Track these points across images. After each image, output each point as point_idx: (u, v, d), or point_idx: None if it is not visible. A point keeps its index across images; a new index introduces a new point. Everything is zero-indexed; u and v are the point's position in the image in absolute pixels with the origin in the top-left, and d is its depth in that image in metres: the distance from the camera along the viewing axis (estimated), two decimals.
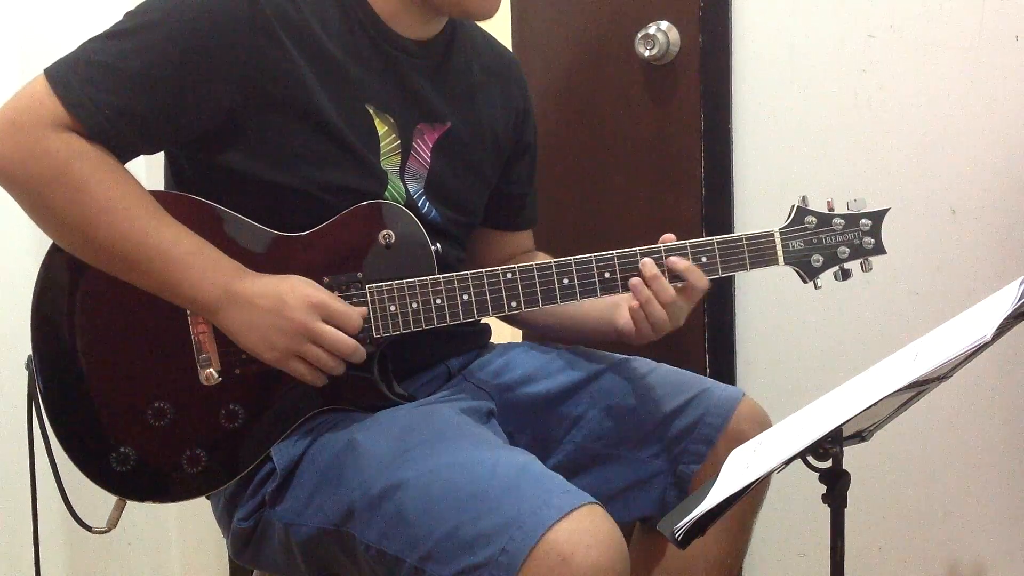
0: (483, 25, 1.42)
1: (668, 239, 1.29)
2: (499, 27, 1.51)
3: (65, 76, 1.17)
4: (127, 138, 1.20)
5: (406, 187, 1.32)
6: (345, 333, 1.22)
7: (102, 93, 1.17)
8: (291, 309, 1.19)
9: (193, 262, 1.19)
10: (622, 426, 1.36)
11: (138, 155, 1.24)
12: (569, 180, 1.90)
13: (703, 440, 1.34)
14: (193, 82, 1.19)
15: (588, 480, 1.34)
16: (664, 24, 1.80)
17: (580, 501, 1.09)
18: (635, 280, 1.27)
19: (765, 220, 1.73)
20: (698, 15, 1.77)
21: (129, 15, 1.21)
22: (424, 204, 1.34)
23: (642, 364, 1.42)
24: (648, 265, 1.26)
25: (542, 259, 1.51)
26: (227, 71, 1.19)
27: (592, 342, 1.46)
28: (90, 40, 1.20)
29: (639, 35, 1.80)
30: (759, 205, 1.80)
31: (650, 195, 1.86)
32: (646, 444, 1.36)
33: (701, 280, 1.27)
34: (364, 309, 1.24)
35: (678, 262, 1.27)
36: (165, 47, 1.18)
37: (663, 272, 1.27)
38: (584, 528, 1.06)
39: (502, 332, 1.68)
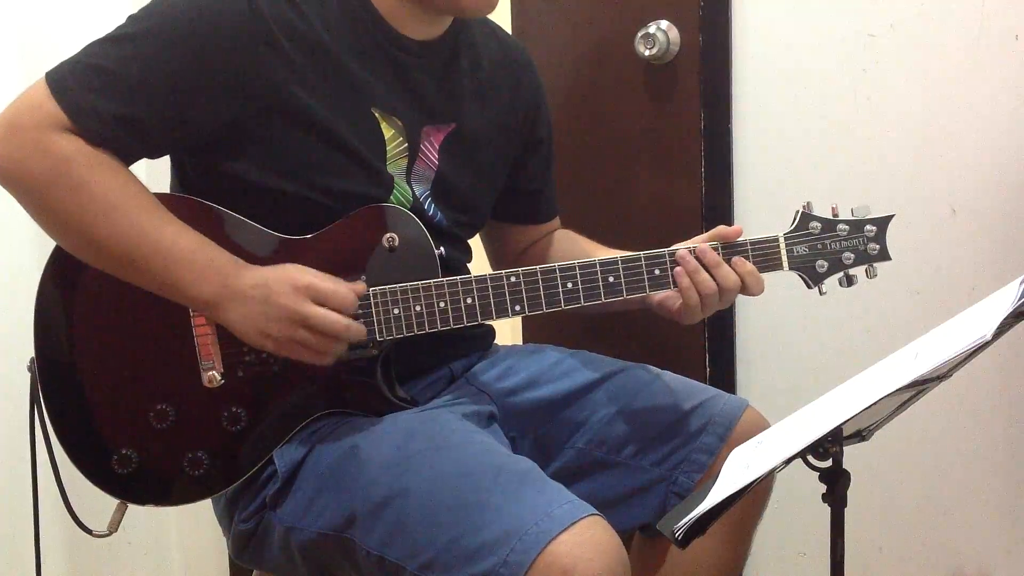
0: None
1: (725, 234, 1.28)
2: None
3: (65, 80, 1.17)
4: (126, 144, 1.20)
5: (413, 190, 1.32)
6: (341, 311, 1.21)
7: (101, 99, 1.16)
8: (277, 294, 1.18)
9: (193, 260, 1.19)
10: (624, 433, 1.36)
11: (138, 159, 1.24)
12: (569, 179, 1.90)
13: (705, 450, 1.34)
14: (193, 91, 1.18)
15: (589, 486, 1.34)
16: (664, 23, 1.80)
17: (582, 513, 1.09)
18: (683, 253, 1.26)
19: (766, 220, 1.73)
20: (698, 15, 1.77)
21: (131, 19, 1.20)
22: (430, 207, 1.34)
23: (646, 371, 1.42)
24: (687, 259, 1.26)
25: (561, 242, 1.52)
26: (228, 80, 1.19)
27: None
28: (92, 44, 1.20)
29: (639, 34, 1.80)
30: (760, 205, 1.80)
31: (650, 194, 1.86)
32: (648, 452, 1.35)
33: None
34: (361, 285, 1.23)
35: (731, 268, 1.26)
36: (165, 55, 1.17)
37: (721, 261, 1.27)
38: (586, 540, 1.06)
39: (504, 333, 1.68)
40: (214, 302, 1.20)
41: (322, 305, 1.20)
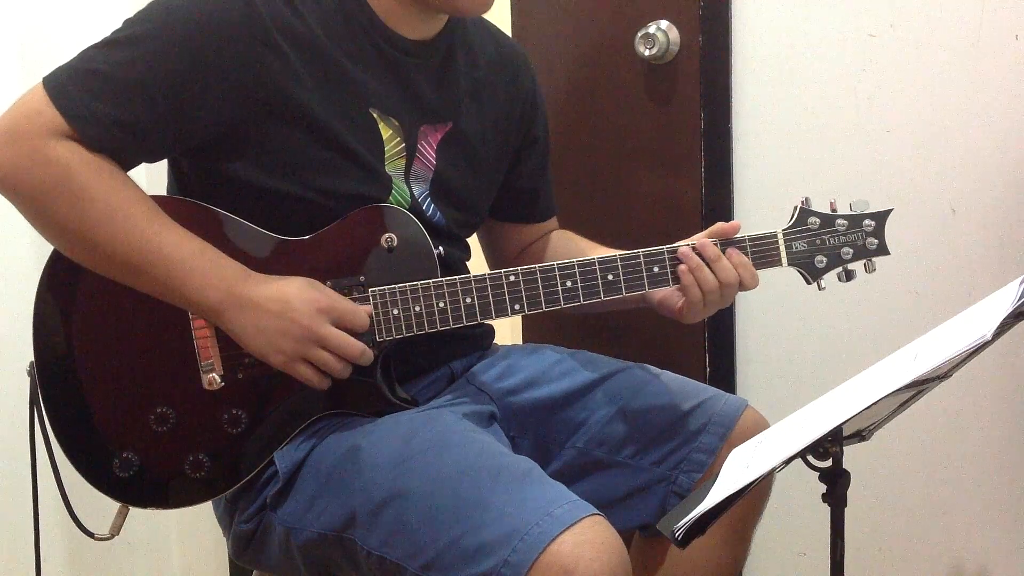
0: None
1: (724, 230, 1.28)
2: (499, 27, 1.51)
3: (63, 86, 1.17)
4: (126, 148, 1.19)
5: (411, 190, 1.32)
6: (353, 332, 1.22)
7: (100, 104, 1.16)
8: (298, 313, 1.19)
9: (196, 265, 1.19)
10: (624, 433, 1.36)
11: (138, 164, 1.23)
12: (569, 179, 1.90)
13: (705, 449, 1.34)
14: (191, 93, 1.18)
15: (588, 486, 1.34)
16: (664, 23, 1.80)
17: (583, 513, 1.09)
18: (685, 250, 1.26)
19: (766, 220, 1.73)
20: (698, 14, 1.77)
21: (128, 23, 1.20)
22: (429, 207, 1.34)
23: (645, 371, 1.42)
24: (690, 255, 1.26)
25: (558, 241, 1.52)
26: (226, 82, 1.19)
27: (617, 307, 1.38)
28: (88, 48, 1.20)
29: (639, 34, 1.80)
30: (759, 204, 1.80)
31: (650, 194, 1.86)
32: (647, 451, 1.35)
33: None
34: (370, 307, 1.24)
35: (731, 257, 1.26)
36: (163, 57, 1.17)
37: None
38: (587, 540, 1.06)
39: (503, 333, 1.68)
40: (218, 308, 1.20)
41: (338, 326, 1.21)
